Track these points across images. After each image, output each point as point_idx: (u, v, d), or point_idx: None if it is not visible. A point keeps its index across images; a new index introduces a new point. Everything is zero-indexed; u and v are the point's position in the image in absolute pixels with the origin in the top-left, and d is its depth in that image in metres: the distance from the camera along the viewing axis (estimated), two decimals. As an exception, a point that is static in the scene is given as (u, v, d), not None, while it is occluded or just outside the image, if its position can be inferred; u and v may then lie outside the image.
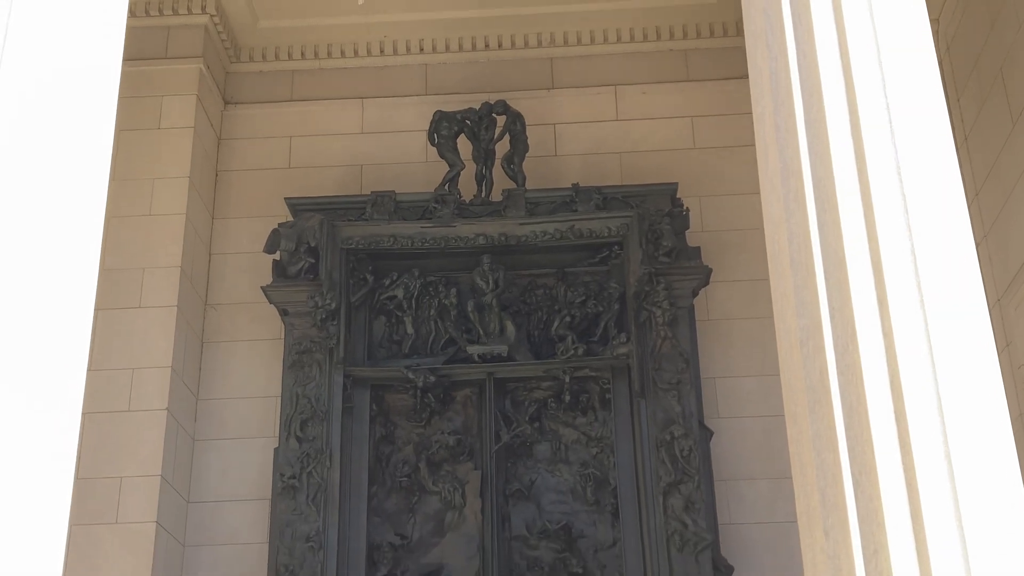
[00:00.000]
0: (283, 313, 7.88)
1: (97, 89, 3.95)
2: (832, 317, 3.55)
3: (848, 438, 3.37)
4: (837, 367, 3.46)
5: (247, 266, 8.36)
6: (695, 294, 7.75)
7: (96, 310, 7.78)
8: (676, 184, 8.05)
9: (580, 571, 7.45)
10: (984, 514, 3.14)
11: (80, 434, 8.09)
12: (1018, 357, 7.27)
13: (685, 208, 7.96)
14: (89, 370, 8.24)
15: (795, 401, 3.66)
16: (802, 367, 3.61)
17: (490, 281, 7.99)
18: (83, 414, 7.93)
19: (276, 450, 7.58)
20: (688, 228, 7.91)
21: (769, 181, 4.02)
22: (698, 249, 7.86)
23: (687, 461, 7.25)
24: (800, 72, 3.93)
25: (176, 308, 7.87)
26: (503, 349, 7.84)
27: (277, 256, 8.01)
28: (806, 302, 3.66)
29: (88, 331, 3.84)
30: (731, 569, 7.24)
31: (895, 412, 3.32)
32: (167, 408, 7.63)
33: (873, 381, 3.36)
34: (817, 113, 3.83)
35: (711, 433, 7.57)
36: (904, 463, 3.27)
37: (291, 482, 7.40)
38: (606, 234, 7.91)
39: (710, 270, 7.75)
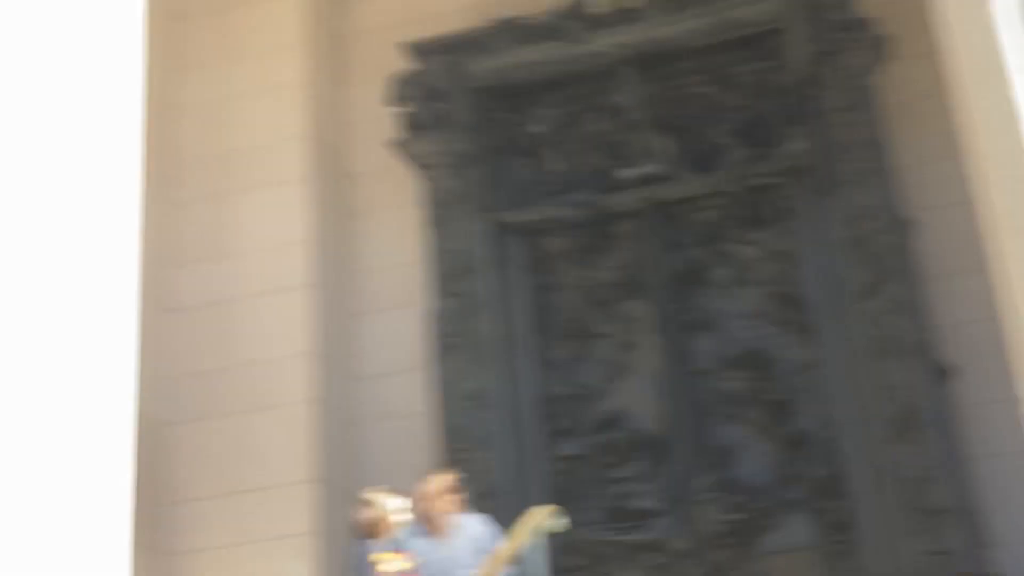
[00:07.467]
0: (421, 167, 7.35)
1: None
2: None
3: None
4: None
5: (380, 128, 7.82)
6: (872, 71, 6.74)
7: (234, 191, 7.60)
8: (835, -51, 7.00)
9: (778, 398, 6.65)
10: None
11: (233, 318, 7.79)
12: None
13: (849, -26, 6.93)
14: (233, 255, 7.93)
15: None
16: None
17: (636, 97, 7.18)
18: (231, 299, 7.70)
19: (432, 311, 7.08)
20: (855, -4, 6.88)
21: None
22: (869, 20, 6.80)
23: (886, 258, 6.33)
24: None
25: (311, 180, 7.46)
26: (660, 169, 7.07)
27: (407, 108, 7.45)
28: None
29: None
30: (953, 371, 6.29)
31: None
32: (314, 283, 7.25)
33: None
34: None
35: (912, 225, 6.58)
36: None
37: (451, 341, 6.92)
38: (762, 19, 7.01)
39: (886, 39, 6.71)
